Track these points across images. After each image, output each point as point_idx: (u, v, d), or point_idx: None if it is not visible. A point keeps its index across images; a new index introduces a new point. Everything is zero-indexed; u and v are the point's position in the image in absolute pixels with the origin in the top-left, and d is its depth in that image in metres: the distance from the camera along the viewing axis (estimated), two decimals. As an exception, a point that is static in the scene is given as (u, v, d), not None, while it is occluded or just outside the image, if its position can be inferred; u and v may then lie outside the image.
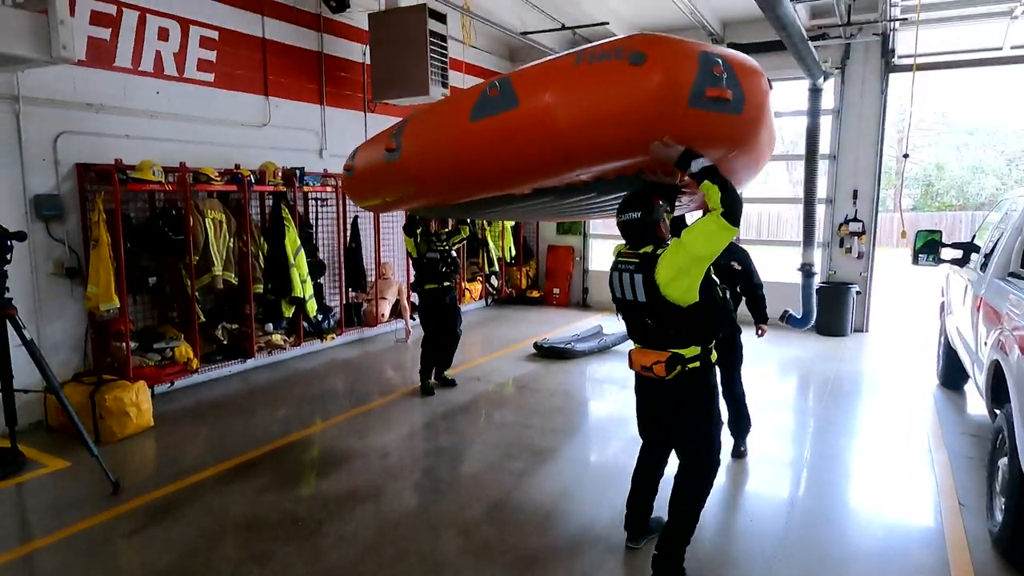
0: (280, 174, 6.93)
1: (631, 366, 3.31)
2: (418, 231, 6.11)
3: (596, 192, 3.45)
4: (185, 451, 5.04)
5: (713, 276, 3.11)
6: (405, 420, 5.72)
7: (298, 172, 7.08)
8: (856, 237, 9.42)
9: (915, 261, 6.06)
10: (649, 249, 3.08)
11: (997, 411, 3.74)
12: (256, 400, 6.24)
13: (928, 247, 6.01)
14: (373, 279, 8.48)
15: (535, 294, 11.66)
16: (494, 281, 10.91)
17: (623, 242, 3.27)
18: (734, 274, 4.48)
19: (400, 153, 3.91)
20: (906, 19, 7.86)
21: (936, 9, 7.78)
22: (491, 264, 10.57)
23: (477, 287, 10.48)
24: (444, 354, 6.55)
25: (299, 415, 5.83)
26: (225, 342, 6.59)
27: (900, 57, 8.95)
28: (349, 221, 8.15)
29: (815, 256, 9.28)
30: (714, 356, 3.20)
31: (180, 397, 6.22)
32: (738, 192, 2.86)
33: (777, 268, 9.16)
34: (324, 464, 4.82)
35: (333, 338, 7.88)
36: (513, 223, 11.12)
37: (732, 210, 2.79)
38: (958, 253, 5.90)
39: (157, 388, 6.05)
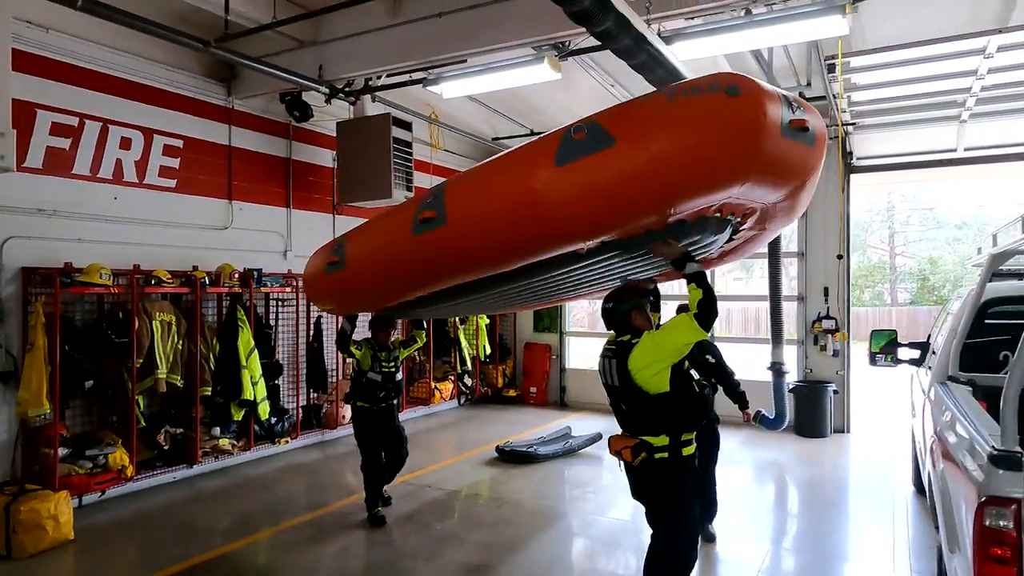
0: (237, 275, 6.96)
1: (610, 450, 3.50)
2: (357, 346, 5.54)
3: (620, 252, 3.40)
4: (102, 568, 4.74)
5: (690, 371, 3.44)
6: (342, 532, 5.41)
7: (255, 273, 7.12)
8: (830, 335, 9.29)
9: (872, 362, 5.90)
10: (627, 338, 3.40)
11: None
12: (196, 508, 5.96)
13: (885, 347, 5.87)
14: (335, 380, 8.34)
15: (511, 393, 11.43)
16: (467, 380, 10.72)
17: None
18: (709, 367, 4.91)
19: (344, 266, 4.24)
20: (855, 124, 8.10)
21: (884, 115, 8.03)
22: (463, 363, 10.43)
23: (448, 386, 10.28)
24: (388, 475, 5.83)
25: (234, 525, 5.53)
26: (167, 447, 6.38)
27: (858, 159, 9.16)
28: (312, 321, 8.12)
29: (792, 354, 9.20)
30: (688, 450, 3.33)
31: (113, 507, 5.94)
32: (715, 301, 3.19)
33: (753, 366, 8.98)
34: (240, 584, 4.51)
35: (287, 442, 7.64)
36: (488, 320, 11.08)
37: (706, 314, 3.12)
38: (915, 353, 5.75)
39: (87, 497, 5.80)
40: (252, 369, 6.86)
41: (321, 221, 8.55)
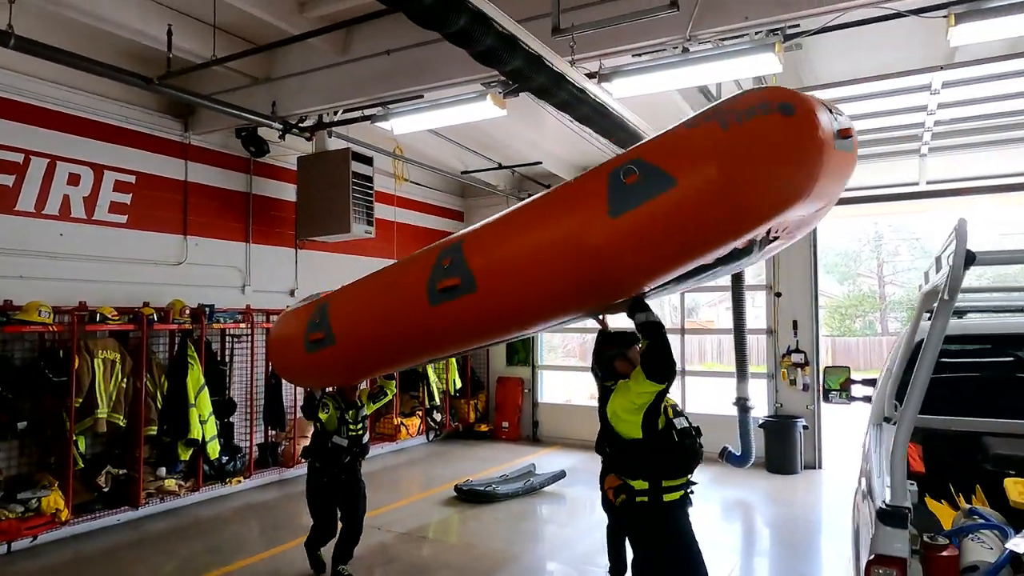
0: (187, 312, 6.87)
1: (601, 486, 3.77)
2: (324, 407, 5.06)
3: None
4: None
5: (675, 419, 3.38)
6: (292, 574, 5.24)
7: (208, 309, 7.02)
8: (799, 368, 9.18)
9: (826, 399, 5.78)
10: (610, 383, 3.53)
11: None
12: (138, 552, 5.78)
13: (839, 384, 5.77)
14: (293, 416, 8.18)
15: (483, 428, 11.25)
16: (436, 416, 10.55)
17: None
18: None
19: (332, 342, 3.94)
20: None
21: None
22: (432, 398, 10.27)
23: (415, 422, 10.11)
24: (343, 544, 5.12)
25: (177, 568, 5.36)
26: (107, 489, 6.21)
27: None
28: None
29: (761, 389, 9.07)
30: (671, 496, 3.33)
31: (46, 553, 5.75)
32: (666, 352, 3.18)
33: (723, 400, 8.84)
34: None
35: (240, 481, 7.45)
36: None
37: (656, 366, 3.15)
38: (869, 390, 5.64)
39: (17, 543, 5.61)
40: (201, 407, 6.72)
41: (283, 255, 8.49)
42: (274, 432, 8.10)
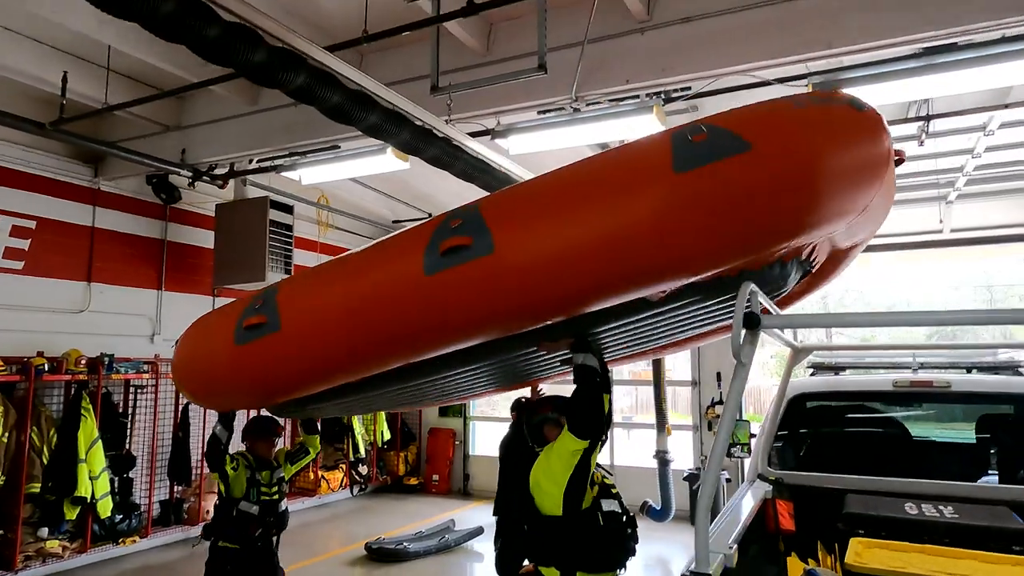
0: (84, 362, 6.61)
1: None
2: (233, 462, 4.26)
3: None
4: None
5: (602, 498, 3.00)
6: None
7: (107, 359, 6.77)
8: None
9: (728, 454, 5.80)
10: (539, 449, 3.15)
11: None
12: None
13: (746, 438, 5.79)
14: (200, 471, 7.86)
15: (413, 481, 10.96)
16: (362, 469, 10.26)
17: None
18: None
19: (278, 328, 2.99)
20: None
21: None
22: (357, 451, 10.00)
23: (338, 475, 9.81)
24: None
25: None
26: (-25, 553, 5.82)
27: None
28: (180, 408, 7.73)
29: (686, 441, 9.08)
30: None
31: (-100, 623, 5.33)
32: (595, 402, 2.82)
33: (643, 453, 8.81)
34: None
35: (135, 541, 7.07)
36: (389, 405, 10.73)
37: (583, 418, 2.81)
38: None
39: None
40: (93, 463, 6.40)
41: (199, 303, 8.27)
42: (180, 488, 7.76)
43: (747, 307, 2.16)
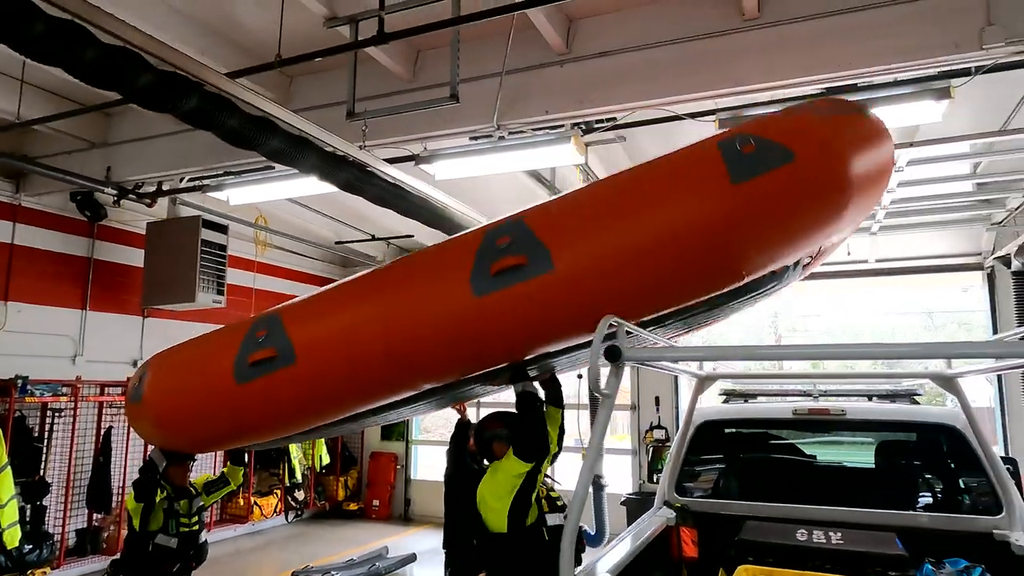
0: (-7, 384, 6.35)
1: None
2: (161, 489, 4.04)
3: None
4: None
5: (544, 514, 3.13)
6: None
7: (20, 381, 6.52)
8: (662, 445, 9.29)
9: (650, 478, 5.87)
10: (488, 464, 3.31)
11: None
12: None
13: (660, 463, 5.86)
14: (121, 498, 7.58)
15: (352, 507, 10.75)
16: (299, 495, 10.02)
17: None
18: None
19: (293, 361, 2.86)
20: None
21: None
22: (292, 475, 9.78)
23: (272, 501, 9.56)
24: None
25: None
26: None
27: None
28: (103, 432, 7.47)
29: (625, 465, 9.12)
30: None
31: None
32: (537, 426, 3.02)
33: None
34: None
35: (45, 572, 6.75)
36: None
37: (526, 441, 2.98)
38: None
39: None
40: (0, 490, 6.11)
41: (127, 324, 8.08)
42: (99, 516, 7.46)
43: (612, 341, 2.19)
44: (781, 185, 2.48)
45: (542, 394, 3.34)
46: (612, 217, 2.62)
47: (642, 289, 2.61)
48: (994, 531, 3.41)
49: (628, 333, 2.33)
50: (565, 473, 9.24)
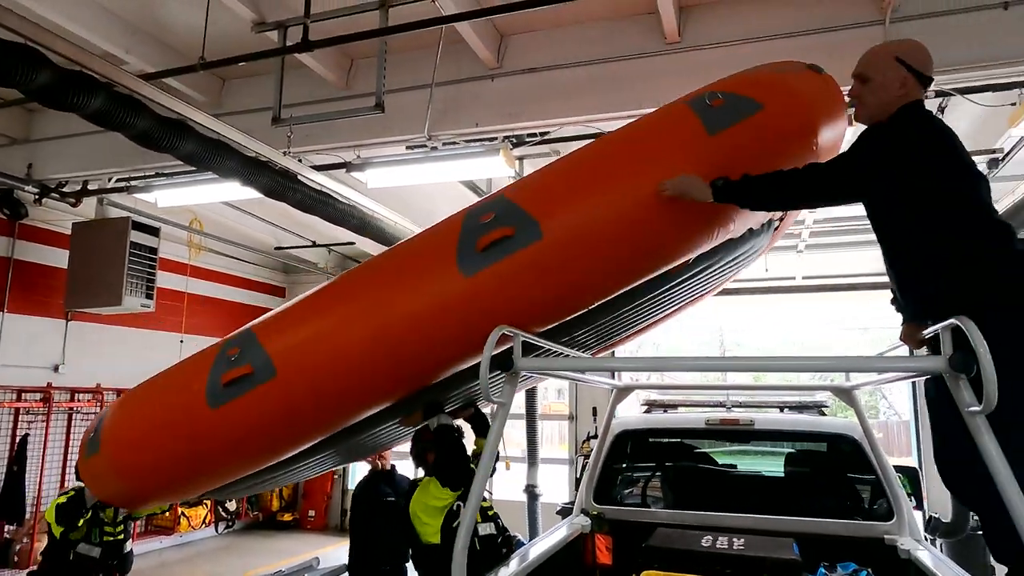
0: None
1: None
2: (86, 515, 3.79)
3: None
4: None
5: (477, 526, 3.18)
6: None
7: (-75, 386, 6.21)
8: (597, 454, 9.42)
9: (577, 487, 5.94)
10: (423, 476, 3.37)
11: None
12: None
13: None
14: (35, 509, 7.26)
15: (287, 517, 10.55)
16: (230, 505, 9.78)
17: None
18: None
19: (273, 374, 2.62)
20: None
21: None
22: (224, 485, 9.53)
23: (201, 512, 9.30)
24: None
25: None
26: None
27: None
28: (17, 440, 7.15)
29: (563, 475, 9.22)
30: None
31: None
32: (457, 457, 3.12)
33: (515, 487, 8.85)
34: None
35: (-53, 589, 6.43)
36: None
37: (447, 470, 3.08)
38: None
39: None
40: None
41: (47, 327, 7.78)
42: (11, 527, 7.13)
43: (488, 356, 2.19)
44: (756, 132, 2.60)
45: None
46: (599, 179, 2.58)
47: (640, 245, 2.54)
48: (885, 536, 3.59)
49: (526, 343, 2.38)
50: (509, 484, 9.27)
